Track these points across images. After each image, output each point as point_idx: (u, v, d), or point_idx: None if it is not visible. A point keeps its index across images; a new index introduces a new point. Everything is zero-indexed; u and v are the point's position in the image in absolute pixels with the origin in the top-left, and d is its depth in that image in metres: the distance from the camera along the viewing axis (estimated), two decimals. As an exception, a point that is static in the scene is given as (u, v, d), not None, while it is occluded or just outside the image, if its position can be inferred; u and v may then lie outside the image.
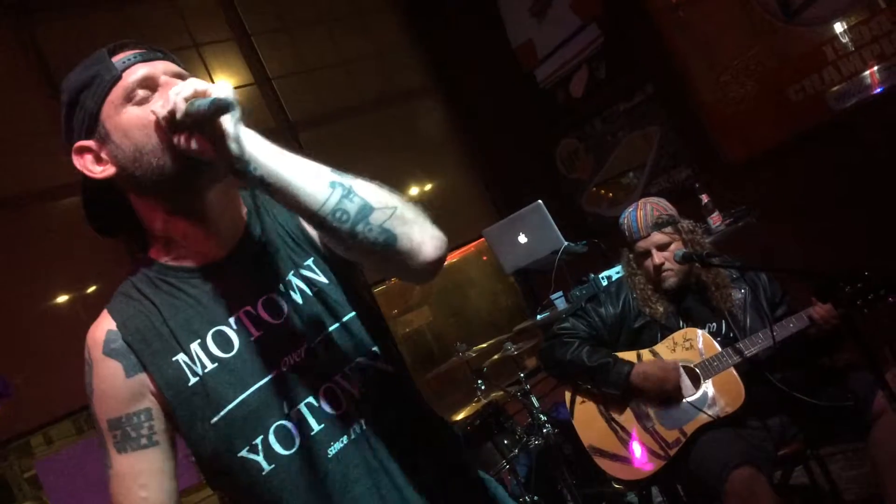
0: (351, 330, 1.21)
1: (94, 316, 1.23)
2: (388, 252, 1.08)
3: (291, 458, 1.14)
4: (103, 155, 1.15)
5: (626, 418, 2.73)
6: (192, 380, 1.15)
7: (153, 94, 1.14)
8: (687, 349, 2.71)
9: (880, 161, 3.57)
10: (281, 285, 1.21)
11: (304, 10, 5.05)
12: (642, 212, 2.80)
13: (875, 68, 3.54)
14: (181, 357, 1.16)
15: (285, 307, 1.19)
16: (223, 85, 1.05)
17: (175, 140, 1.07)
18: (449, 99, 5.78)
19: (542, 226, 3.85)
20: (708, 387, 2.65)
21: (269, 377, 1.15)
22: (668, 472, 2.63)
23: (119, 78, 1.13)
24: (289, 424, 1.14)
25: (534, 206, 3.85)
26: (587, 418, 2.81)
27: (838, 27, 3.63)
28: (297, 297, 1.20)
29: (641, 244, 2.79)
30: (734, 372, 2.63)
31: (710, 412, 2.60)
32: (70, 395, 3.55)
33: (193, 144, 1.05)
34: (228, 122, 1.02)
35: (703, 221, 3.62)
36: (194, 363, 1.15)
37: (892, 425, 2.39)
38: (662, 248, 2.77)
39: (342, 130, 4.97)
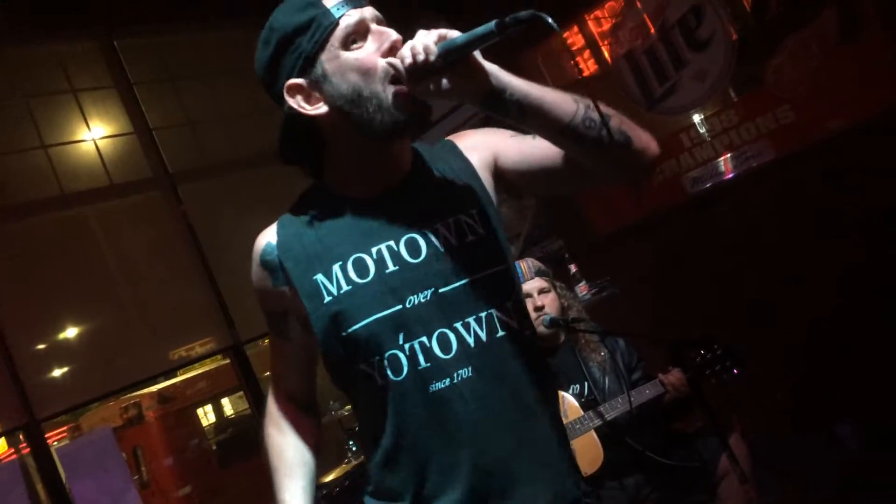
0: (488, 283, 1.26)
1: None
2: (626, 151, 1.21)
3: (399, 383, 1.23)
4: (316, 94, 1.24)
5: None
6: (327, 298, 1.26)
7: (364, 40, 1.21)
8: (551, 411, 2.81)
9: (731, 238, 3.88)
10: (428, 229, 1.27)
11: (188, 63, 5.01)
12: (525, 263, 3.02)
13: (728, 156, 3.88)
14: (320, 277, 1.27)
15: (424, 249, 1.26)
16: (453, 30, 1.13)
17: (417, 88, 1.14)
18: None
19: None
20: (570, 448, 2.75)
21: (392, 310, 1.23)
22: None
23: (336, 24, 1.20)
24: (400, 355, 1.23)
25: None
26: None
27: (693, 118, 3.98)
28: (439, 243, 1.26)
29: (525, 287, 2.93)
30: (594, 435, 2.75)
31: (570, 472, 2.69)
32: None
33: (445, 84, 1.13)
34: (480, 57, 1.12)
35: (572, 290, 3.80)
36: (332, 283, 1.26)
37: (734, 486, 2.56)
38: (543, 292, 2.92)
39: (225, 185, 4.90)
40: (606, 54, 4.27)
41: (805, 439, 3.61)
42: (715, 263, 3.93)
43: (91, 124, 4.52)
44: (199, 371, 6.89)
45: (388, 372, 1.24)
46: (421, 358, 1.23)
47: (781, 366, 3.62)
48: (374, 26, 1.23)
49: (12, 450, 5.51)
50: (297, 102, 1.25)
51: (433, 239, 1.27)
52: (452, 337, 1.24)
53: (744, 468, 2.45)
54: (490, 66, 1.15)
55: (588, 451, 2.72)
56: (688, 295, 4.03)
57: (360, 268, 1.26)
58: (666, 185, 4.12)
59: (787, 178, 3.64)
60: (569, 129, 1.18)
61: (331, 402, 3.81)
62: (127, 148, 4.57)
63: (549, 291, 2.95)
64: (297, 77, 1.24)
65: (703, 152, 3.97)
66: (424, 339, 1.23)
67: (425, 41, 1.12)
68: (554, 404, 1.34)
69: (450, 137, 1.42)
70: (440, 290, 1.25)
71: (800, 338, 3.60)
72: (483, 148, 1.37)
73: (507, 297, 1.29)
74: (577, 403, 2.81)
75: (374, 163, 1.31)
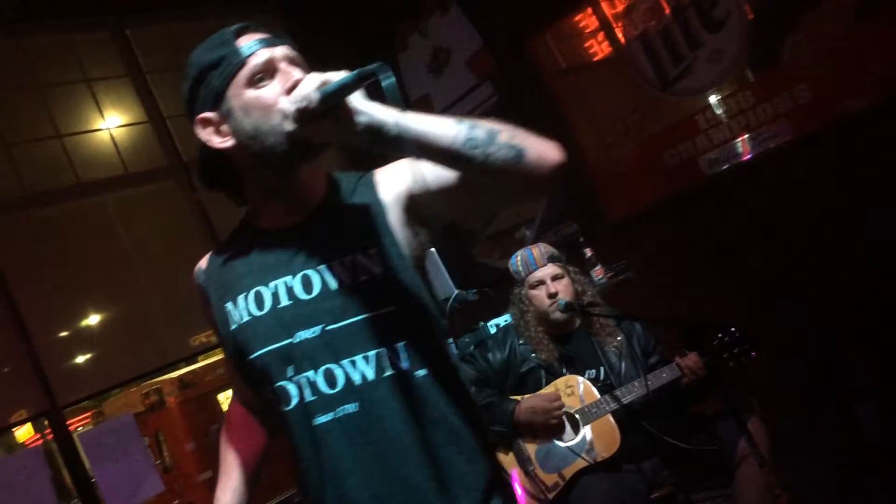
0: (377, 323, 1.28)
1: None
2: (520, 165, 1.19)
3: (289, 413, 1.31)
4: (223, 128, 1.30)
5: (508, 461, 2.79)
6: (233, 326, 1.35)
7: (272, 79, 1.27)
8: (569, 395, 2.82)
9: (748, 221, 3.85)
10: (324, 266, 1.31)
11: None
12: (537, 249, 2.99)
13: (745, 137, 3.84)
14: (230, 305, 1.36)
15: (317, 287, 1.30)
16: (339, 72, 1.17)
17: (307, 130, 1.20)
18: (345, 148, 5.83)
19: (434, 273, 3.91)
20: (587, 432, 2.76)
21: (282, 343, 1.30)
22: (547, 515, 2.70)
23: (244, 63, 1.27)
24: (290, 387, 1.30)
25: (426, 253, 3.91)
26: (471, 463, 2.85)
27: (709, 99, 3.93)
28: (332, 281, 1.30)
29: (537, 274, 2.92)
30: (611, 418, 2.75)
31: (587, 457, 2.70)
32: None
33: (326, 129, 1.19)
34: (357, 98, 1.16)
35: (587, 274, 3.79)
36: (237, 312, 1.34)
37: (753, 470, 2.55)
38: (556, 278, 2.91)
39: (238, 173, 4.91)
40: (620, 36, 4.23)
41: (826, 422, 3.59)
42: (733, 246, 3.90)
43: (105, 113, 4.54)
44: (219, 357, 6.93)
45: (281, 402, 1.31)
46: (307, 391, 1.29)
47: (802, 348, 3.60)
48: (283, 66, 1.28)
49: (38, 435, 5.59)
50: (206, 135, 1.33)
51: (327, 276, 1.31)
52: (339, 373, 1.28)
53: (762, 452, 2.44)
54: (366, 107, 1.17)
55: (605, 434, 2.73)
56: (705, 278, 4.01)
57: (259, 300, 1.34)
58: (682, 167, 4.09)
59: (805, 158, 3.60)
60: (452, 152, 1.19)
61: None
62: (141, 137, 4.60)
63: (562, 277, 2.93)
64: (209, 111, 1.31)
65: (719, 134, 3.93)
66: (311, 373, 1.29)
67: (306, 89, 1.18)
68: (449, 445, 1.30)
69: (376, 170, 1.42)
70: (328, 328, 1.29)
71: (821, 320, 3.57)
72: (399, 181, 1.37)
73: (400, 337, 1.29)
74: (594, 388, 2.81)
75: (279, 196, 1.37)
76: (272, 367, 1.31)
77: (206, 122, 1.32)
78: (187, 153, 4.58)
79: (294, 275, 1.32)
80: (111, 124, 4.51)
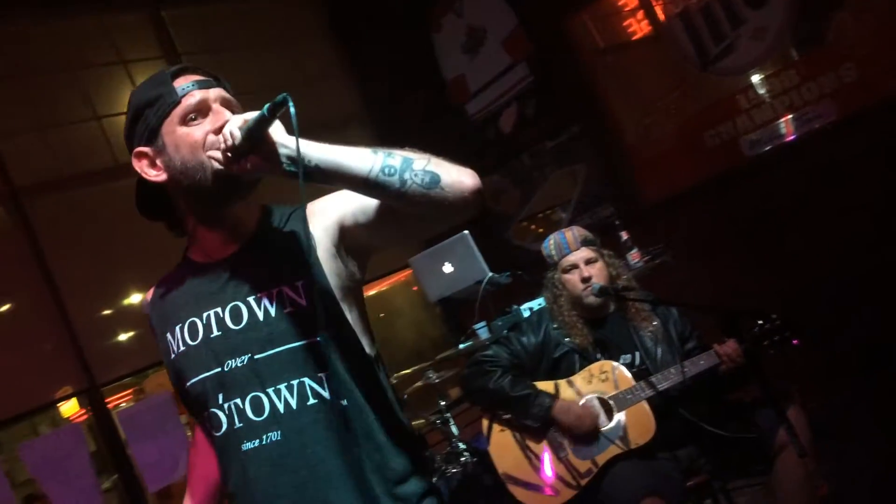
0: (301, 353, 1.33)
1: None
2: (436, 190, 1.26)
3: (219, 439, 1.37)
4: (158, 162, 1.37)
5: (541, 447, 2.77)
6: (172, 355, 1.42)
7: (204, 118, 1.33)
8: (603, 381, 2.78)
9: (789, 204, 3.75)
10: (252, 298, 1.36)
11: (234, 33, 5.02)
12: (570, 232, 2.95)
13: (789, 117, 3.74)
14: (168, 335, 1.43)
15: (246, 317, 1.36)
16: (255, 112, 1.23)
17: (235, 167, 1.26)
18: (378, 128, 5.82)
19: (467, 256, 3.89)
20: (621, 419, 2.72)
21: (212, 372, 1.36)
22: (579, 502, 2.67)
23: (178, 102, 1.33)
24: (220, 413, 1.36)
25: (459, 236, 3.89)
26: (503, 446, 2.83)
27: (751, 78, 3.83)
28: (260, 313, 1.35)
29: (570, 258, 2.88)
30: (646, 405, 2.71)
31: (621, 444, 2.67)
32: None
33: (251, 164, 1.25)
34: (277, 132, 1.24)
35: (623, 258, 3.73)
36: (174, 342, 1.41)
37: (793, 460, 2.49)
38: (590, 262, 2.86)
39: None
40: (660, 13, 4.13)
41: (870, 409, 3.50)
42: (773, 229, 3.80)
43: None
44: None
45: (213, 427, 1.38)
46: (236, 418, 1.34)
47: (844, 333, 3.51)
48: (215, 106, 1.34)
49: (83, 411, 5.72)
50: (141, 168, 1.39)
51: (255, 308, 1.36)
52: (265, 401, 1.33)
53: (802, 441, 2.38)
54: (285, 140, 1.24)
55: (640, 421, 2.69)
56: (745, 262, 3.92)
57: (192, 331, 1.40)
58: (722, 148, 4.00)
59: (850, 139, 3.49)
60: (370, 180, 1.25)
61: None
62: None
63: (595, 261, 2.88)
64: (145, 146, 1.37)
65: (761, 114, 3.83)
66: (239, 400, 1.34)
67: (230, 127, 1.24)
68: (376, 472, 1.34)
69: (309, 202, 1.44)
70: (255, 357, 1.34)
71: (865, 304, 3.47)
72: (330, 213, 1.41)
73: (324, 367, 1.34)
74: (628, 373, 2.76)
75: (211, 228, 1.43)
76: (205, 394, 1.37)
77: (142, 156, 1.38)
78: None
79: (224, 306, 1.38)
80: (148, 105, 4.55)
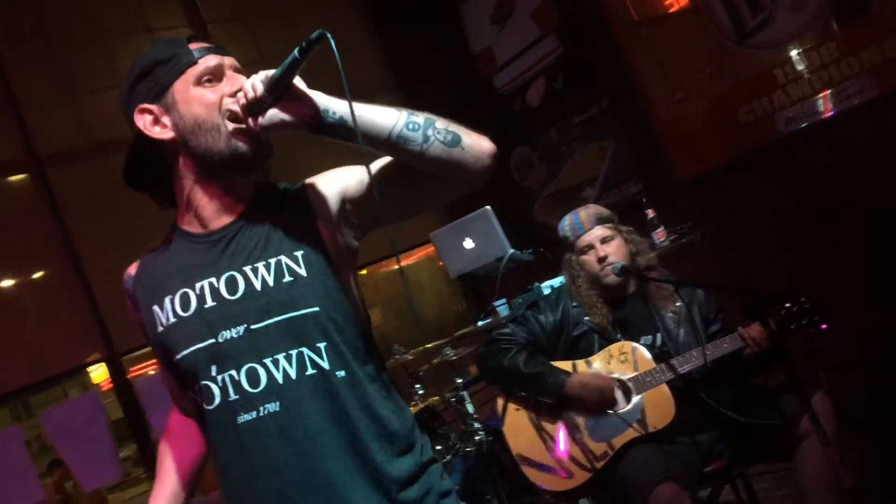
0: (300, 323, 1.32)
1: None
2: (455, 150, 1.29)
3: (211, 412, 1.34)
4: (164, 120, 1.34)
5: (556, 428, 2.71)
6: (160, 328, 1.38)
7: (219, 82, 1.33)
8: (622, 362, 2.71)
9: (826, 183, 3.62)
10: (248, 268, 1.34)
11: (260, 3, 4.98)
12: (584, 211, 2.88)
13: (827, 93, 3.59)
14: (156, 308, 1.38)
15: (242, 287, 1.33)
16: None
17: (256, 121, 1.27)
18: (405, 100, 5.75)
19: (488, 232, 3.82)
20: (639, 401, 2.65)
21: (206, 343, 1.33)
22: (594, 485, 2.61)
23: (195, 62, 1.33)
24: (213, 386, 1.33)
25: (481, 211, 3.82)
26: (517, 427, 2.78)
27: (789, 52, 3.68)
28: (257, 283, 1.33)
29: (585, 238, 2.81)
30: (666, 388, 2.63)
31: (639, 427, 2.60)
32: None
33: (275, 115, 1.25)
34: (301, 85, 1.25)
35: (648, 236, 3.63)
36: (163, 314, 1.37)
37: (816, 449, 2.40)
38: (605, 241, 2.78)
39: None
40: (696, -16, 3.99)
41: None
42: (808, 209, 3.67)
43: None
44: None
45: (204, 400, 1.34)
46: (231, 390, 1.32)
47: (879, 320, 3.39)
48: (230, 72, 1.35)
49: (111, 378, 5.84)
50: (143, 124, 1.34)
51: (251, 277, 1.34)
52: (262, 372, 1.31)
53: (827, 429, 2.29)
54: (312, 93, 1.26)
55: (659, 405, 2.61)
56: (778, 242, 3.80)
57: (184, 302, 1.36)
58: (757, 124, 3.86)
59: (892, 116, 3.34)
60: (392, 136, 1.27)
61: (395, 346, 3.80)
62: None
63: (612, 238, 2.79)
64: (150, 103, 1.35)
65: (799, 89, 3.69)
66: (234, 372, 1.32)
67: (253, 80, 1.25)
68: (374, 441, 1.34)
69: (307, 179, 1.46)
70: (252, 327, 1.32)
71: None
72: (332, 186, 1.42)
73: (322, 338, 1.33)
74: (649, 355, 2.68)
75: (209, 195, 1.39)
76: (197, 366, 1.33)
77: (147, 112, 1.35)
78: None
79: (219, 276, 1.36)
80: (173, 74, 4.54)
